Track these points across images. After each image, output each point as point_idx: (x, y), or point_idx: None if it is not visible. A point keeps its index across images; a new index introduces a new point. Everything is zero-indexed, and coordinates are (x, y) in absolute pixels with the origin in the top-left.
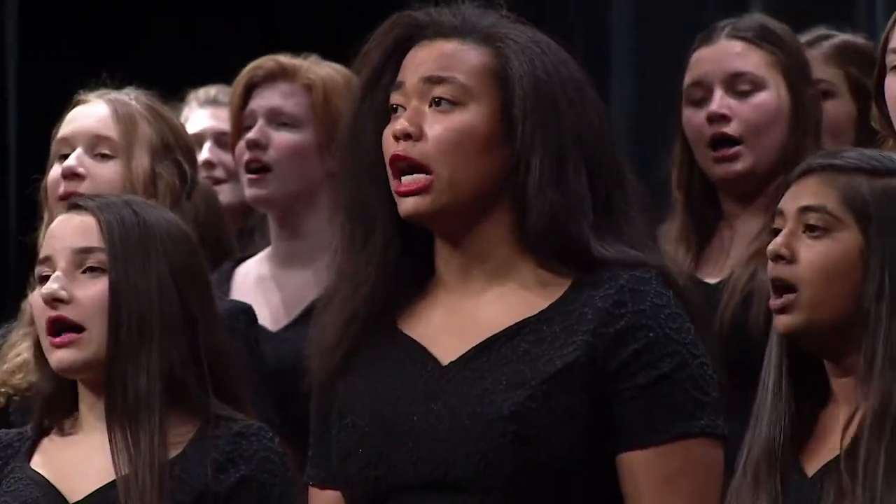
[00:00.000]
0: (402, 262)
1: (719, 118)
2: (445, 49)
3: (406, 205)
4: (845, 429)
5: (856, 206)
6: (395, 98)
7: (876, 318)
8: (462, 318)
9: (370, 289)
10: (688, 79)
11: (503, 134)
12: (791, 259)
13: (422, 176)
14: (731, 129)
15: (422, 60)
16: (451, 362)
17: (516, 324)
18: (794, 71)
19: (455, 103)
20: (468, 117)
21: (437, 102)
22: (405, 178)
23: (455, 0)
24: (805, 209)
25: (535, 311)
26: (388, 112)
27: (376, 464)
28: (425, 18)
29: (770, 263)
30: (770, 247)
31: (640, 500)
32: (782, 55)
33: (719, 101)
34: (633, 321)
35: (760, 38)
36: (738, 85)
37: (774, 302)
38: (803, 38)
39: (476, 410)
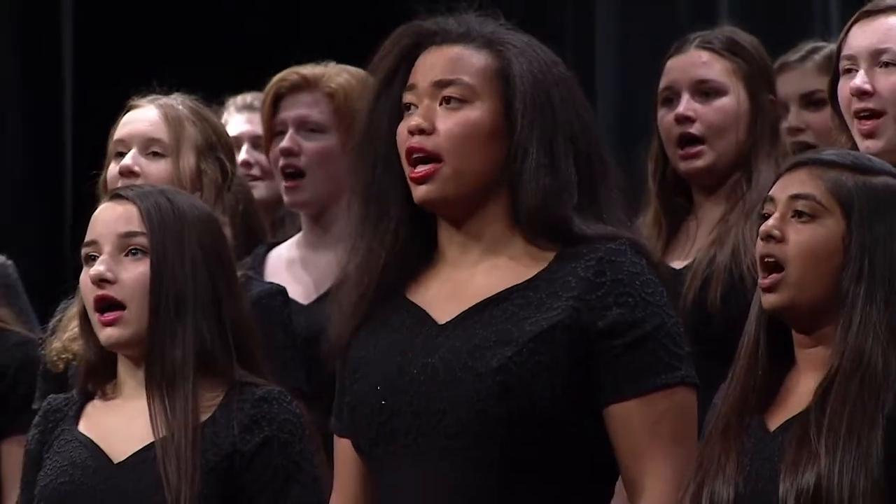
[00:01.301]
0: (409, 242)
1: (684, 119)
2: (452, 53)
3: (419, 191)
4: (819, 386)
5: (841, 196)
6: (408, 98)
7: (854, 296)
8: (459, 285)
9: (382, 265)
10: (661, 83)
11: (504, 128)
12: (781, 239)
13: (433, 164)
14: (695, 129)
15: (432, 64)
16: (447, 322)
17: (506, 289)
18: (755, 79)
19: (463, 101)
20: (475, 113)
21: (447, 101)
22: (419, 167)
23: (458, 10)
24: (795, 196)
25: (523, 279)
26: (401, 110)
27: (380, 411)
28: (433, 27)
29: (760, 242)
30: (762, 228)
31: (630, 444)
32: (744, 64)
33: (685, 104)
34: (613, 288)
35: (725, 49)
36: (703, 90)
37: (763, 280)
38: (796, 53)
39: (468, 364)
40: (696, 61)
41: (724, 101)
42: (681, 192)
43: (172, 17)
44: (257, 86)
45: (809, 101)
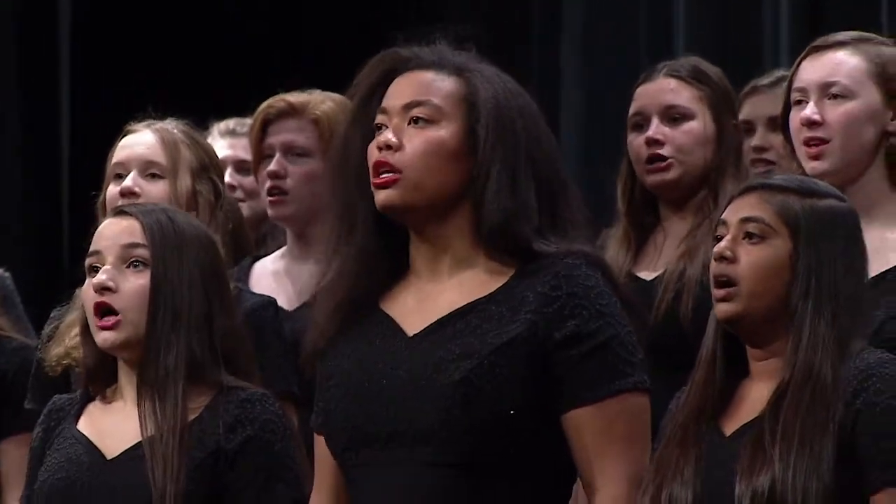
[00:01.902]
0: (380, 255)
1: (654, 142)
2: (424, 77)
3: (380, 196)
4: (773, 395)
5: (789, 219)
6: (380, 119)
7: (802, 312)
8: (428, 298)
9: (355, 276)
10: (632, 109)
11: (468, 148)
12: (733, 259)
13: (395, 174)
14: (664, 150)
15: (403, 87)
16: (415, 334)
17: (469, 303)
18: (720, 105)
19: (430, 121)
20: (441, 132)
21: (415, 120)
22: (383, 176)
23: (433, 40)
24: (746, 220)
25: (485, 294)
26: (374, 131)
27: (352, 418)
28: (408, 54)
29: (713, 263)
30: (715, 249)
31: (587, 447)
32: (710, 91)
33: (655, 128)
34: (569, 301)
35: (692, 77)
36: (671, 115)
37: (717, 292)
38: (767, 79)
39: (432, 376)
40: (664, 88)
41: (691, 125)
42: (648, 208)
43: (169, 25)
44: (241, 112)
45: (775, 123)
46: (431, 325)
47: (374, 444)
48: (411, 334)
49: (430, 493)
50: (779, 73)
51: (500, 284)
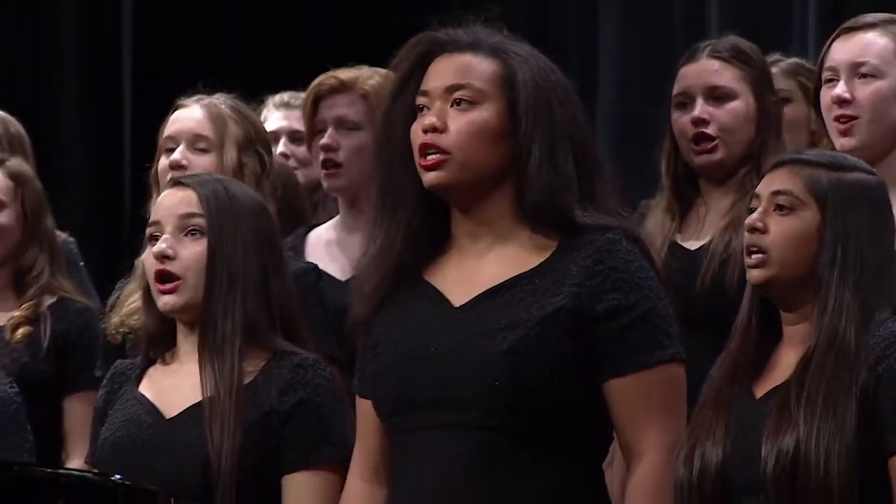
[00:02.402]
0: (424, 228)
1: (700, 121)
2: (463, 61)
3: (428, 177)
4: (800, 360)
5: (817, 191)
6: (421, 100)
7: (828, 280)
8: (471, 271)
9: (399, 249)
10: (676, 88)
11: (509, 128)
12: (763, 230)
13: (442, 154)
14: (710, 129)
15: (444, 70)
16: (462, 305)
17: (514, 277)
18: (760, 83)
19: (472, 103)
20: (483, 114)
21: (457, 103)
22: (430, 157)
23: (466, 22)
24: (776, 193)
25: (529, 268)
26: (415, 111)
27: (399, 383)
28: (444, 37)
29: (746, 234)
30: (748, 220)
31: (627, 415)
32: (751, 70)
33: (700, 107)
34: (610, 275)
35: (733, 57)
36: (716, 95)
37: (749, 260)
38: (768, 58)
39: (480, 344)
40: (708, 69)
41: (735, 105)
42: (690, 183)
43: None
44: (294, 85)
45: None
46: (478, 296)
47: (420, 408)
48: (458, 305)
49: (472, 455)
50: (775, 55)
51: (543, 259)
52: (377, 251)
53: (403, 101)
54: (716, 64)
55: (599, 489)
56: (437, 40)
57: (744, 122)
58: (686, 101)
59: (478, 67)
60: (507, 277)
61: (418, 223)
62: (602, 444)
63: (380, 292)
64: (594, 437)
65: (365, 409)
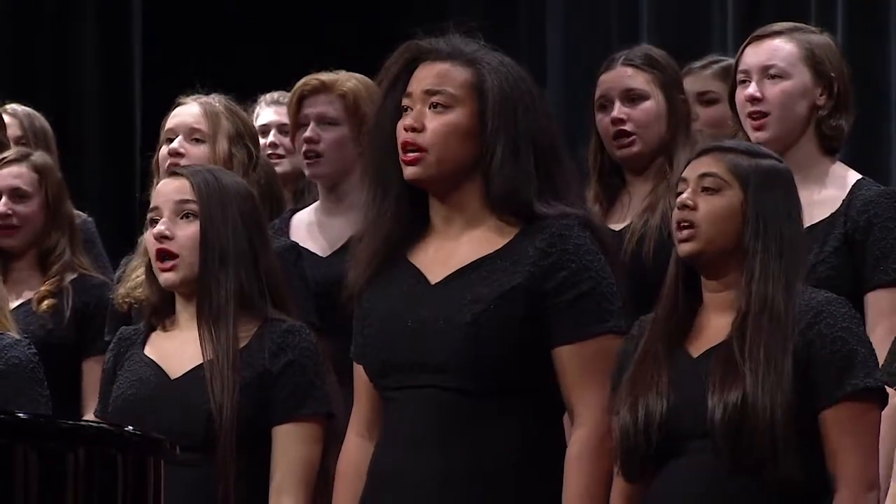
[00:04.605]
0: (408, 214)
1: (619, 120)
2: (441, 68)
3: (408, 171)
4: (735, 321)
5: (739, 173)
6: (406, 102)
7: (754, 251)
8: (446, 252)
9: (387, 231)
10: (597, 93)
11: (478, 129)
12: (693, 207)
13: (420, 153)
14: (627, 126)
15: (424, 76)
16: (437, 282)
17: (480, 258)
18: (669, 85)
19: (446, 107)
20: (455, 116)
21: (433, 106)
22: (409, 154)
23: (446, 32)
24: (703, 175)
25: (493, 250)
26: (401, 111)
27: (385, 350)
28: (427, 46)
29: (676, 211)
30: (678, 199)
31: (570, 378)
32: (660, 74)
33: (618, 108)
34: (561, 256)
35: (644, 63)
36: (630, 97)
37: (680, 234)
38: (698, 62)
39: (449, 316)
40: (623, 74)
41: (647, 105)
42: (614, 174)
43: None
44: (283, 86)
45: (703, 99)
46: (450, 275)
47: (401, 372)
48: (434, 282)
49: (443, 411)
50: (709, 58)
51: (506, 241)
52: (369, 232)
53: (391, 101)
54: (629, 70)
55: (557, 441)
56: (421, 49)
57: (655, 118)
58: (606, 104)
59: (453, 75)
60: (475, 258)
61: (404, 208)
62: (559, 403)
63: (372, 267)
64: (550, 397)
65: (359, 374)
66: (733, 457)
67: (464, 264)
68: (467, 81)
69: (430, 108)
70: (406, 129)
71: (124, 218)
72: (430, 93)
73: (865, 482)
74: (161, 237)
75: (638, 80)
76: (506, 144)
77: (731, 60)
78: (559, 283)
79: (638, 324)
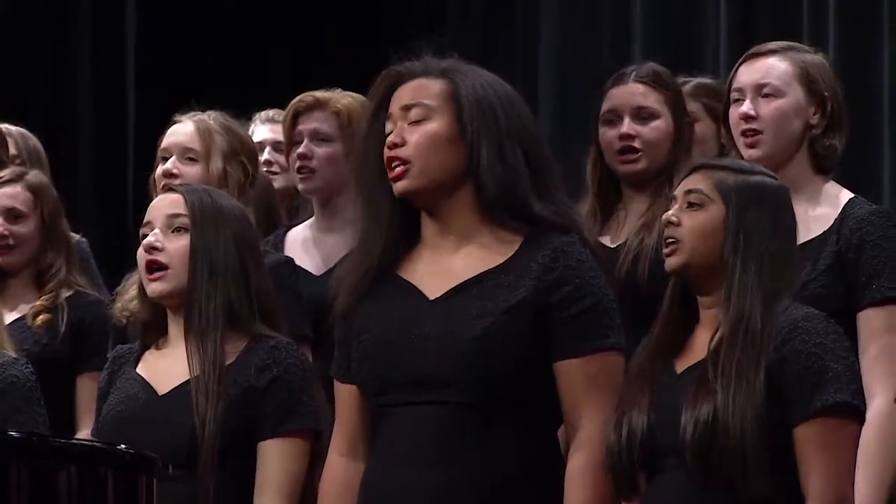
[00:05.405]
0: (399, 231)
1: (628, 136)
2: (416, 84)
3: (397, 186)
4: (711, 339)
5: (723, 190)
6: (389, 126)
7: (733, 266)
8: (442, 267)
9: (379, 249)
10: (604, 107)
11: (459, 134)
12: (677, 224)
13: (405, 166)
14: (636, 143)
15: (401, 94)
16: (436, 297)
17: (483, 272)
18: (677, 105)
19: (424, 118)
20: (434, 126)
21: (412, 119)
22: (396, 169)
23: (421, 54)
24: (688, 192)
25: (496, 264)
26: (386, 135)
27: (383, 366)
28: (403, 69)
29: (664, 228)
30: (664, 216)
31: (570, 393)
32: (670, 94)
33: (628, 125)
34: (565, 272)
35: (655, 82)
36: (641, 115)
37: (666, 250)
38: (682, 80)
39: (453, 332)
40: (634, 91)
41: (657, 123)
42: (612, 189)
43: (216, 45)
44: (278, 103)
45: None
46: (451, 290)
47: (402, 387)
48: (432, 298)
49: (446, 427)
50: (682, 78)
51: (506, 256)
52: (359, 252)
53: (376, 127)
54: (641, 87)
55: (554, 455)
56: (397, 73)
57: (664, 138)
58: (613, 119)
59: (428, 87)
60: (475, 272)
61: (396, 227)
62: (557, 417)
63: (364, 284)
64: (547, 410)
65: (343, 392)
66: (705, 473)
67: (463, 279)
68: (442, 91)
69: (409, 123)
70: (389, 147)
71: (117, 239)
72: (407, 108)
73: (836, 499)
74: (151, 248)
75: (650, 98)
76: (490, 145)
77: (705, 78)
78: (563, 298)
79: (644, 341)
